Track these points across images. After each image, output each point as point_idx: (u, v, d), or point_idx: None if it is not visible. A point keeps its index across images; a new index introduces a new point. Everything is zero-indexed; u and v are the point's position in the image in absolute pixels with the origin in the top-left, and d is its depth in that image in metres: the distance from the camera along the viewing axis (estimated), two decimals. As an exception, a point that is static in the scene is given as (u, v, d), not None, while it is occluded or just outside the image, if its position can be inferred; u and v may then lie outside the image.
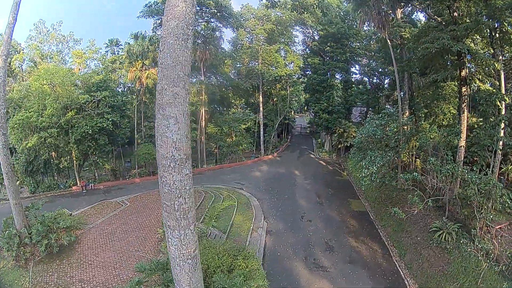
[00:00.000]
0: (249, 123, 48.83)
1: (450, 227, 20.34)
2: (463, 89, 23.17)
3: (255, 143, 55.20)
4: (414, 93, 37.82)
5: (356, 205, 32.12)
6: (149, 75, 40.13)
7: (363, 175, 24.46)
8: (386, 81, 53.32)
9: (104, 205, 30.33)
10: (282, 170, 43.77)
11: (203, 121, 46.80)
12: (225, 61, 55.58)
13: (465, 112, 22.95)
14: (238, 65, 55.02)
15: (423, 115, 31.50)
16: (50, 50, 54.23)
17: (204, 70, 52.09)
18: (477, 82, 25.81)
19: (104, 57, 51.44)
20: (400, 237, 23.44)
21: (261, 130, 51.95)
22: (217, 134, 47.78)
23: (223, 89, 58.33)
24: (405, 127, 26.97)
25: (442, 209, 22.69)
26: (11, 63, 48.50)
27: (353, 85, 53.67)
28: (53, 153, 40.97)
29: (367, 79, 54.06)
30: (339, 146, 49.45)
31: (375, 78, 52.68)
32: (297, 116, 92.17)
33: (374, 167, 23.20)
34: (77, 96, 38.21)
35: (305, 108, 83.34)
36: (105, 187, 40.08)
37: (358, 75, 54.67)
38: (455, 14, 24.38)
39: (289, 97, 54.82)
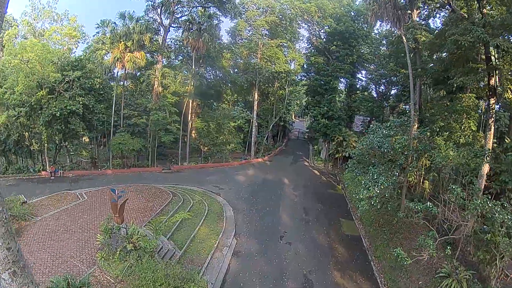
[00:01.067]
0: (239, 121, 44.28)
1: (461, 274, 15.88)
2: (491, 100, 18.66)
3: (247, 144, 50.84)
4: (422, 106, 33.46)
5: (348, 227, 27.57)
6: (131, 58, 35.84)
7: (361, 196, 19.91)
8: (393, 91, 49.02)
9: (61, 196, 27.27)
10: (270, 176, 39.26)
11: (191, 115, 42.50)
12: (224, 54, 51.36)
13: (492, 129, 18.43)
14: (239, 60, 50.65)
15: (437, 130, 26.83)
16: (43, 28, 50.91)
17: (201, 61, 48.05)
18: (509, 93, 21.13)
19: (85, 35, 47.32)
20: (397, 276, 18.79)
21: (253, 130, 47.47)
22: (203, 130, 43.42)
23: (222, 84, 54.27)
24: (415, 142, 22.44)
25: (452, 246, 18.16)
26: (2, 38, 45.12)
27: (358, 91, 49.15)
28: (26, 133, 37.69)
29: (373, 86, 49.56)
30: (337, 156, 44.90)
31: (382, 86, 48.18)
32: (297, 120, 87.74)
33: (376, 189, 18.65)
34: (48, 74, 34.04)
35: (305, 112, 78.78)
36: (75, 176, 37.07)
37: (364, 81, 50.05)
38: (485, 10, 20.08)
39: (287, 98, 50.33)
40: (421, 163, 25.70)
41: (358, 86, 49.71)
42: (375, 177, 19.89)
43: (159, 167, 39.55)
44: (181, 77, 40.74)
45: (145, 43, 39.24)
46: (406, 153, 21.83)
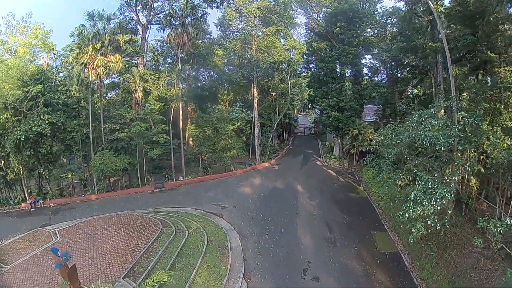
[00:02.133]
0: (238, 123, 38.66)
1: None
2: None
3: (250, 147, 45.60)
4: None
5: (382, 241, 22.33)
6: (102, 63, 30.48)
7: (412, 215, 14.43)
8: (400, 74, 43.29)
9: (34, 236, 23.60)
10: (280, 184, 33.74)
11: (183, 121, 37.09)
12: (216, 51, 45.99)
13: None
14: (232, 56, 45.16)
15: (481, 113, 21.16)
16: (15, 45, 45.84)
17: (191, 61, 42.86)
18: None
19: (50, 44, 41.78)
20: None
21: (256, 131, 41.91)
22: (199, 137, 38.00)
23: (217, 84, 49.05)
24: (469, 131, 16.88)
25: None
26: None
27: (366, 77, 43.34)
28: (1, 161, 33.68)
29: (383, 71, 43.75)
30: (352, 152, 39.26)
31: (392, 69, 42.41)
32: (300, 115, 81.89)
33: (435, 204, 13.15)
34: (7, 93, 28.98)
35: (309, 106, 72.47)
36: (55, 205, 32.22)
37: (372, 65, 43.87)
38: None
39: (290, 91, 44.66)
40: (466, 156, 20.21)
41: (366, 71, 43.91)
42: (429, 186, 14.40)
43: (150, 186, 34.24)
44: (164, 78, 35.38)
45: (120, 45, 33.94)
46: (461, 147, 16.25)
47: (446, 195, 14.75)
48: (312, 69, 51.06)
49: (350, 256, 20.04)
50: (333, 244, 21.51)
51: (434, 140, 14.63)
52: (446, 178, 15.31)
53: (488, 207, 23.32)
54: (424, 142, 15.49)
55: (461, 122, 16.81)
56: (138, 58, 37.96)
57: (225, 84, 48.96)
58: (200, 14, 38.38)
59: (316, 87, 42.80)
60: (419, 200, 15.46)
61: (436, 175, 16.77)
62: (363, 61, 42.32)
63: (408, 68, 41.41)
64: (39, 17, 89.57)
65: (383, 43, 42.63)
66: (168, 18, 36.84)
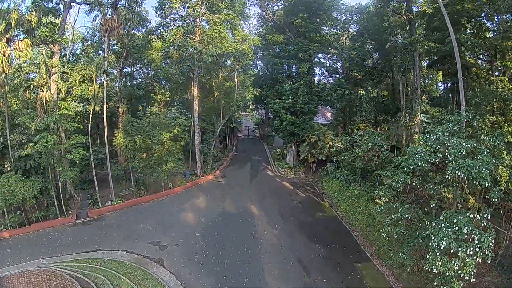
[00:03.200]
0: (175, 130, 31.03)
1: None
2: None
3: (189, 154, 38.60)
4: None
5: (370, 275, 18.56)
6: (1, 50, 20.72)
7: (443, 270, 9.84)
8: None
9: None
10: (230, 206, 27.51)
11: (106, 129, 28.33)
12: (153, 43, 37.88)
13: None
14: (172, 49, 37.28)
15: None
16: None
17: (125, 54, 34.33)
18: None
19: None
20: None
21: (196, 138, 34.84)
22: (127, 148, 29.64)
23: (154, 81, 40.93)
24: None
25: None
26: None
27: (323, 76, 39.74)
28: None
29: (340, 70, 40.42)
30: (310, 160, 34.94)
31: (352, 69, 39.46)
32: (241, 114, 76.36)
33: (477, 256, 8.83)
34: None
35: (251, 106, 66.47)
36: None
37: (329, 64, 40.21)
38: None
39: (237, 90, 38.61)
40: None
41: (323, 71, 40.18)
42: (465, 231, 10.02)
43: (71, 216, 24.75)
44: (79, 71, 26.39)
45: (33, 27, 24.45)
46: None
47: (487, 241, 10.58)
48: (259, 66, 45.82)
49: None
50: (314, 292, 16.29)
51: (475, 172, 10.31)
52: (478, 217, 11.04)
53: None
54: (460, 174, 10.97)
55: (486, 144, 12.71)
56: (53, 46, 27.97)
57: (163, 82, 41.61)
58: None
59: (267, 86, 37.47)
60: (452, 251, 11.03)
61: (460, 207, 12.53)
62: (322, 59, 38.38)
63: (367, 70, 39.13)
64: None
65: (340, 41, 39.44)
66: (96, -4, 27.80)
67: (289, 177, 36.17)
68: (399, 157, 17.36)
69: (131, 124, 29.99)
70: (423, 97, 33.69)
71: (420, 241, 13.12)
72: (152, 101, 39.66)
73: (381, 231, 16.45)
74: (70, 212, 25.69)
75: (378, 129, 53.34)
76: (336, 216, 26.47)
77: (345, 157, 27.46)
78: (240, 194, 30.04)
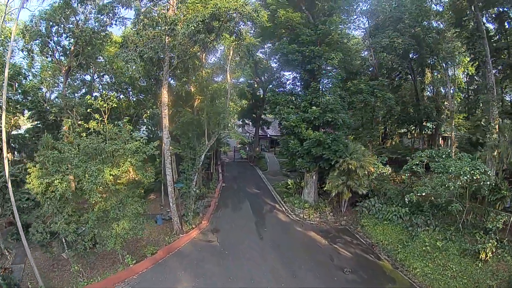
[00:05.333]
0: (126, 164, 16.88)
1: None
2: None
3: (161, 186, 26.02)
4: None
5: None
6: None
7: None
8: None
9: None
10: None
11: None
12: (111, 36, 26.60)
13: None
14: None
15: None
16: None
17: (72, 49, 23.33)
18: None
19: None
20: None
21: (167, 168, 21.87)
22: (47, 197, 16.35)
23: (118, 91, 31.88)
24: None
25: None
26: None
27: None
28: None
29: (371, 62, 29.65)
30: (345, 196, 23.32)
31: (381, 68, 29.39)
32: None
33: None
34: None
35: (235, 122, 53.39)
36: None
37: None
38: None
39: (230, 93, 26.42)
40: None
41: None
42: None
43: None
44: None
45: None
46: None
47: None
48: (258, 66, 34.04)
49: None
50: None
51: None
52: None
53: None
54: None
55: None
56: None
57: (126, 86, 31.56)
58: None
59: (272, 88, 25.60)
60: None
61: None
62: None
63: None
64: None
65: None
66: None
67: (313, 221, 24.14)
68: None
69: (52, 153, 16.63)
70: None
71: None
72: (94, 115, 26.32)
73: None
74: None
75: (388, 144, 43.80)
76: (412, 286, 14.98)
77: (424, 192, 17.02)
78: (253, 269, 17.47)
